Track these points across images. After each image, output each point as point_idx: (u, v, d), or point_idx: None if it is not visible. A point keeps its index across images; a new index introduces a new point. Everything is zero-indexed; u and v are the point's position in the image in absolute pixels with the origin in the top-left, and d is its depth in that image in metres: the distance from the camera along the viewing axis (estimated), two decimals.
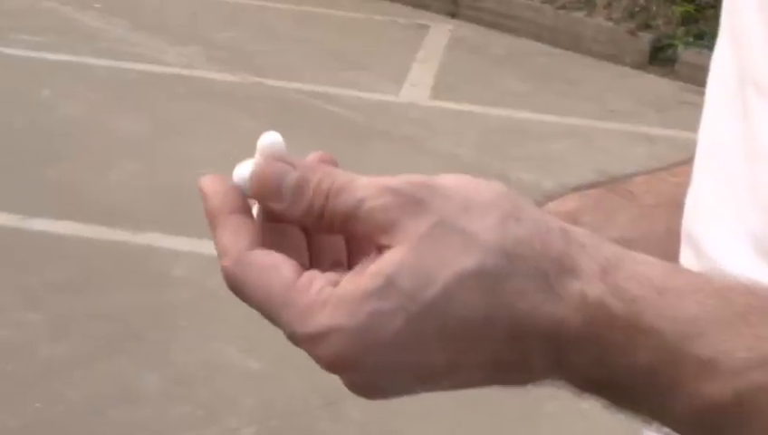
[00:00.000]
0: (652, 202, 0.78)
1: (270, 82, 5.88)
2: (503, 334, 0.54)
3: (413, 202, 0.55)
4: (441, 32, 7.14)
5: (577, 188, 0.80)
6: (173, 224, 4.15)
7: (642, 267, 0.55)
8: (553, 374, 0.56)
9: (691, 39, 6.62)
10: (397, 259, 0.55)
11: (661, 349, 0.53)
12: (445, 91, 5.94)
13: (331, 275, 0.57)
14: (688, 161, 0.82)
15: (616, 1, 7.13)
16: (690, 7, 6.80)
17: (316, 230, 0.59)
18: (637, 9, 7.02)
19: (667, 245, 0.76)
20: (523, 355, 0.55)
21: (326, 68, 6.19)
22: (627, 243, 0.74)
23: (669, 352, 0.53)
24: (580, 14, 7.07)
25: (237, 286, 0.58)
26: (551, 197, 0.79)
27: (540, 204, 0.76)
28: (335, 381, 2.64)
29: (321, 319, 0.56)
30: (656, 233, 0.77)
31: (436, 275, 0.54)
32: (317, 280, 0.57)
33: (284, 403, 3.18)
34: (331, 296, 0.56)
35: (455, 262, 0.54)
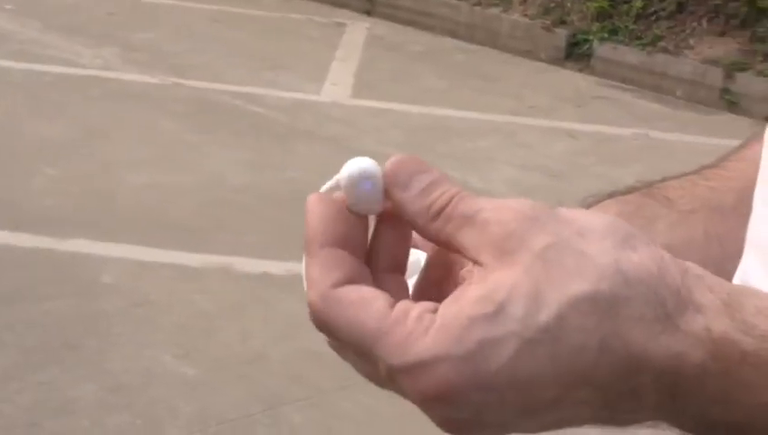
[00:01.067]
0: (689, 208, 0.77)
1: (189, 82, 5.82)
2: (616, 366, 0.51)
3: (530, 219, 0.53)
4: (358, 30, 7.14)
5: (612, 195, 0.78)
6: (99, 230, 4.09)
7: (763, 302, 0.53)
8: (663, 412, 0.53)
9: (606, 35, 6.71)
10: (508, 284, 0.52)
11: None
12: (365, 90, 5.93)
13: (427, 305, 0.53)
14: (719, 165, 0.81)
15: None
16: (604, 3, 6.89)
17: (422, 232, 0.56)
18: (552, 5, 7.09)
19: (707, 250, 0.75)
20: (635, 390, 0.52)
21: (246, 67, 6.15)
22: (668, 250, 0.74)
23: None
24: (496, 11, 7.12)
25: (323, 321, 0.55)
26: (587, 205, 0.76)
27: None
28: (273, 385, 2.59)
29: (424, 347, 0.52)
30: (695, 239, 0.76)
31: (550, 299, 0.51)
32: (414, 309, 0.53)
33: (223, 410, 3.15)
34: (432, 323, 0.52)
35: (569, 284, 0.51)
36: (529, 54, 6.78)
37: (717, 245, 0.75)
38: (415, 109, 5.70)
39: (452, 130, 5.44)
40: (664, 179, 0.80)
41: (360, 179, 0.57)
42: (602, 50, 6.60)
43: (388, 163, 0.56)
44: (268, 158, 4.91)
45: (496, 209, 0.53)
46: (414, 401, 0.53)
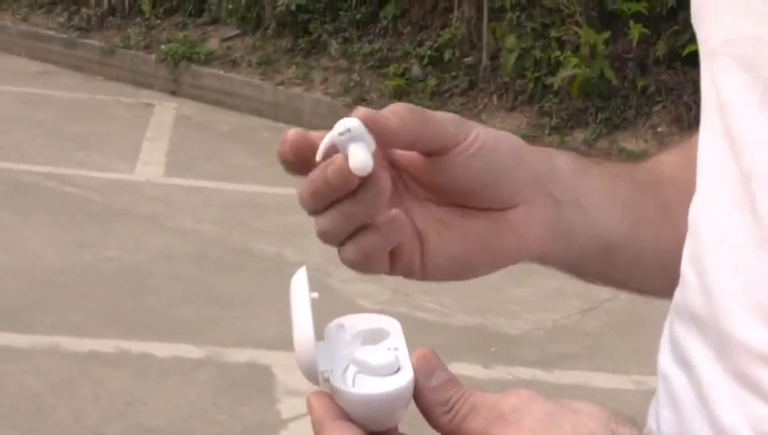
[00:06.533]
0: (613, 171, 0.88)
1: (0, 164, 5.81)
2: None
3: (531, 398, 0.65)
4: (166, 110, 7.25)
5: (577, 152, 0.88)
6: None
7: None
8: None
9: None
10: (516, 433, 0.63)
11: None
12: (178, 168, 6.04)
13: None
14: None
15: (332, 76, 7.48)
16: (401, 81, 7.22)
17: (435, 420, 0.66)
18: (351, 84, 7.38)
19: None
20: None
21: (56, 149, 6.17)
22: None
23: None
24: (298, 90, 7.35)
25: None
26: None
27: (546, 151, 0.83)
28: None
29: None
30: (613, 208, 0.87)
31: None
32: None
33: None
34: None
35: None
36: None
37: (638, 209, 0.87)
38: (228, 186, 5.84)
39: (265, 205, 5.60)
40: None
41: (354, 136, 0.67)
42: None
43: (415, 355, 0.67)
44: (86, 237, 4.95)
45: (501, 395, 0.65)
46: None
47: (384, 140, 0.70)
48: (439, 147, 0.74)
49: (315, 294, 0.68)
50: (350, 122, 0.68)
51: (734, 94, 0.75)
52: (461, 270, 0.79)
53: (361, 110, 0.69)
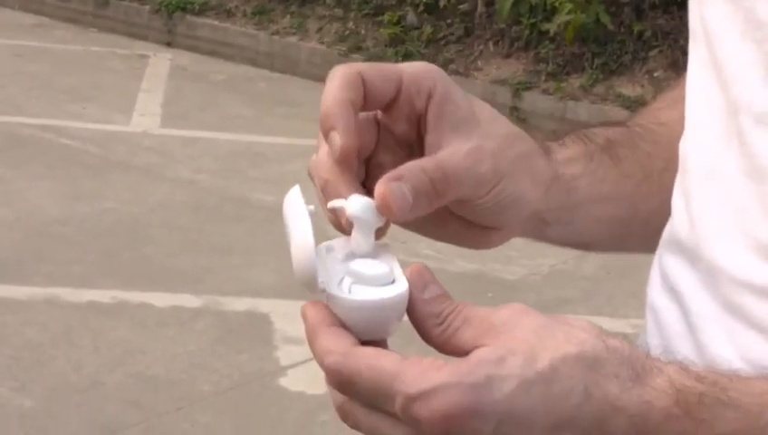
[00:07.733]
0: (629, 172, 0.86)
1: None
2: (596, 410, 0.63)
3: (522, 311, 0.65)
4: (161, 61, 7.22)
5: (579, 137, 0.86)
6: None
7: (707, 367, 0.66)
8: None
9: (400, 58, 7.00)
10: (508, 346, 0.63)
11: (743, 419, 0.63)
12: (174, 119, 6.04)
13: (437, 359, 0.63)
14: (647, 125, 0.90)
15: (327, 25, 7.44)
16: (396, 29, 7.19)
17: (427, 333, 0.66)
18: (347, 32, 7.35)
19: (622, 210, 0.87)
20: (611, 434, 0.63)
21: (52, 101, 6.15)
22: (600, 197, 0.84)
23: (751, 420, 0.63)
24: (293, 39, 7.32)
25: (347, 375, 0.63)
26: (548, 140, 0.86)
27: (546, 148, 0.82)
28: (111, 412, 2.74)
29: (438, 376, 0.61)
30: (623, 201, 0.86)
31: (544, 356, 0.63)
32: (426, 358, 0.63)
33: None
34: (445, 364, 0.62)
35: (559, 348, 0.63)
36: None
37: (631, 206, 0.88)
38: (224, 136, 5.83)
39: (262, 155, 5.60)
40: (619, 125, 0.90)
41: (361, 223, 0.69)
42: None
43: (409, 270, 0.67)
44: (83, 189, 4.96)
45: (492, 310, 0.66)
46: (424, 430, 0.62)
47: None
48: (458, 200, 0.75)
49: (312, 207, 0.69)
50: (360, 210, 0.69)
51: (719, 24, 0.76)
52: (415, 231, 0.81)
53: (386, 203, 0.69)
